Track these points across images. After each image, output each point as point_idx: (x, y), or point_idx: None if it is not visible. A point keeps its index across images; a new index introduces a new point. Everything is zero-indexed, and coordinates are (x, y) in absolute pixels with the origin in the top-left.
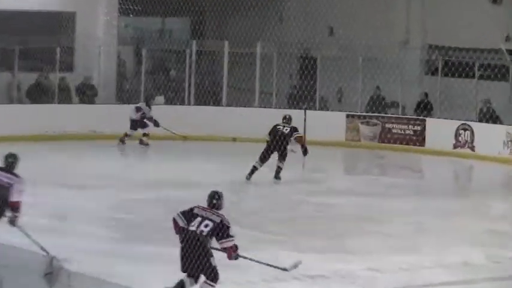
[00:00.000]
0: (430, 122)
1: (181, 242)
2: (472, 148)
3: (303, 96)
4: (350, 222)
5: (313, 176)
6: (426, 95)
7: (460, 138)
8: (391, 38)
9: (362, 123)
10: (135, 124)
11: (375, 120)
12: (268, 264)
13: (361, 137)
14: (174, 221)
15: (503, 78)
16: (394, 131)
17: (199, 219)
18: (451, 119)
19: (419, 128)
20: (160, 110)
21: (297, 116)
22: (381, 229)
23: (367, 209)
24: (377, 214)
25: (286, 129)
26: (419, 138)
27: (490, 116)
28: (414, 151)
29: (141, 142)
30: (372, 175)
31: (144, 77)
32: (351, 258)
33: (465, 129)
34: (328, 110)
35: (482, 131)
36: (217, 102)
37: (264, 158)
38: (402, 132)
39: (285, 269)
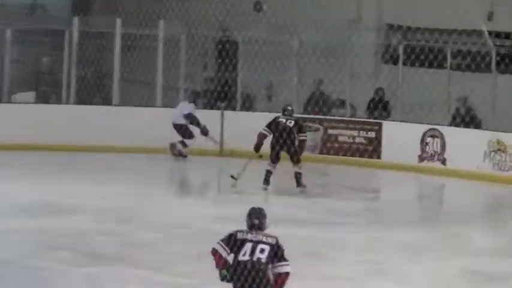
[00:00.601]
0: (387, 126)
1: (231, 278)
2: (443, 161)
3: (221, 92)
4: (294, 259)
5: (233, 198)
6: (383, 91)
7: (427, 148)
8: (338, 16)
9: None
10: (182, 130)
11: (315, 125)
12: None
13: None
14: (216, 252)
15: (485, 68)
16: (340, 138)
17: (249, 245)
18: (416, 123)
19: (373, 134)
20: (27, 110)
21: (212, 118)
22: (325, 269)
23: (307, 242)
24: (320, 249)
25: (291, 122)
26: (374, 148)
27: (471, 119)
28: (367, 165)
29: (179, 153)
30: (313, 197)
31: (8, 66)
32: None
33: (434, 136)
34: (254, 110)
35: (457, 138)
36: (106, 100)
37: (275, 158)
38: (351, 140)
39: None
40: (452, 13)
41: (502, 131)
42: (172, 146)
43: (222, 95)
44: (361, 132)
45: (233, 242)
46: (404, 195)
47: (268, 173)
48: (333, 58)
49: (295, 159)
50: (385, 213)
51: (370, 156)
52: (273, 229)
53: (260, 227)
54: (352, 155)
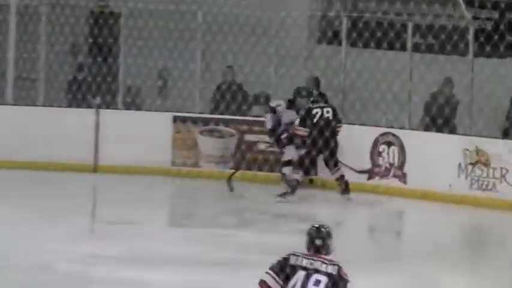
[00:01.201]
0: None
1: None
2: (403, 178)
3: (95, 83)
4: None
5: (112, 229)
6: (318, 81)
7: (380, 159)
8: None
9: (203, 132)
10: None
11: (228, 129)
12: None
13: (200, 159)
14: (264, 283)
15: (462, 51)
16: (261, 146)
17: (302, 274)
18: (366, 125)
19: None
20: None
21: (82, 118)
22: None
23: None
24: None
25: (328, 112)
26: (308, 161)
27: (445, 121)
28: (301, 184)
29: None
30: (224, 229)
31: None
32: None
33: (390, 144)
34: (139, 108)
35: (422, 146)
36: None
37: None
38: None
39: None
40: None
41: (482, 136)
42: None
43: (96, 87)
44: None
45: (285, 268)
46: (351, 225)
47: (297, 184)
48: (253, 38)
49: (333, 161)
50: None
51: (305, 172)
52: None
53: (321, 250)
54: (274, 170)
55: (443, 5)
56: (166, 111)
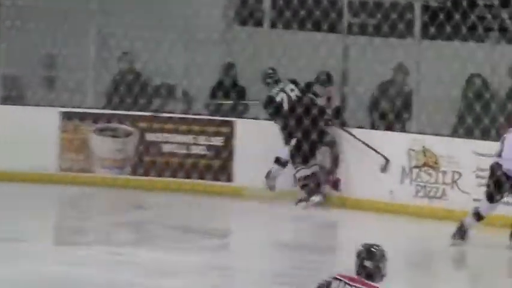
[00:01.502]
0: (244, 127)
1: None
2: (335, 184)
3: None
4: None
5: None
6: (232, 68)
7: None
8: None
9: (96, 131)
10: None
11: (124, 126)
12: None
13: (94, 162)
14: None
15: (404, 32)
16: (166, 148)
17: None
18: None
19: (221, 141)
20: None
21: None
22: None
23: None
24: None
25: (293, 90)
26: (222, 164)
27: (397, 116)
28: (212, 192)
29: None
30: (119, 247)
31: None
32: None
33: None
34: (20, 103)
35: (356, 146)
36: None
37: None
38: (185, 151)
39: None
40: None
41: (430, 134)
42: None
43: None
44: (200, 137)
45: None
46: (274, 242)
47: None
48: (156, 18)
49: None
50: (239, 271)
51: (216, 178)
52: None
53: (374, 276)
54: (186, 176)
55: None
56: (51, 106)
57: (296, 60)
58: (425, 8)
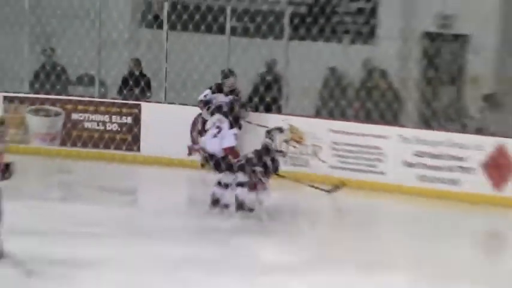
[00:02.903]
0: (148, 109)
1: None
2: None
3: None
4: None
5: None
6: (139, 63)
7: (199, 137)
8: None
9: (31, 111)
10: None
11: (55, 108)
12: None
13: (31, 136)
14: None
15: (278, 34)
16: (87, 125)
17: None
18: (187, 104)
19: (131, 119)
20: None
21: None
22: None
23: (43, 261)
24: (66, 270)
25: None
26: (132, 138)
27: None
28: (125, 160)
29: None
30: (51, 202)
31: None
32: None
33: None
34: None
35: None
36: None
37: None
38: (102, 127)
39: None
40: None
41: (296, 115)
42: None
43: None
44: (113, 116)
45: None
46: (171, 198)
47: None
48: (77, 20)
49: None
50: (147, 223)
51: (129, 149)
52: None
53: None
54: (104, 148)
55: None
56: None
57: (191, 58)
58: (295, 14)
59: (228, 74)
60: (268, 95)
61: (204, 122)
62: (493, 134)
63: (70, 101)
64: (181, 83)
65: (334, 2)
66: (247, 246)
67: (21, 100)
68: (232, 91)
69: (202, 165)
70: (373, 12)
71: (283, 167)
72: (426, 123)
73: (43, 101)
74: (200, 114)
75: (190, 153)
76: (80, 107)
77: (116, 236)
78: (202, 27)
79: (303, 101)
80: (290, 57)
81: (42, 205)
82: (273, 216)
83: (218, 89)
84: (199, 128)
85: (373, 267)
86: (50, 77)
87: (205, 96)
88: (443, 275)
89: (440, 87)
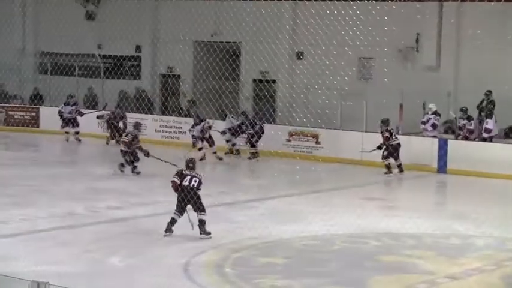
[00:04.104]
0: (43, 109)
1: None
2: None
3: None
4: None
5: None
6: (38, 89)
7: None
8: (11, 46)
9: None
10: None
11: (0, 109)
12: None
13: None
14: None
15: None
16: (16, 116)
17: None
18: (56, 106)
19: (34, 114)
20: None
21: None
22: (5, 191)
23: None
24: (2, 179)
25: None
26: (34, 122)
27: (93, 102)
28: (31, 132)
29: None
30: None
31: None
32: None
33: (64, 108)
34: None
35: None
36: None
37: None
38: (22, 117)
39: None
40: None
41: None
42: None
43: None
44: (27, 113)
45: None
46: (53, 149)
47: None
48: (10, 70)
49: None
50: (42, 159)
51: (33, 126)
52: None
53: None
54: (22, 126)
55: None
56: None
57: None
58: None
59: None
60: None
61: None
62: None
63: (8, 107)
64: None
65: None
66: None
67: None
68: None
69: None
70: None
71: None
72: None
73: None
74: None
75: None
76: (13, 108)
77: (24, 165)
78: None
79: None
80: None
81: None
82: None
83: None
84: None
85: None
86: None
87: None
88: None
89: None
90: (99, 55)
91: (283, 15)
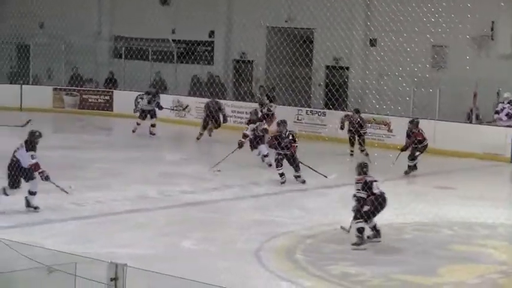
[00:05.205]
0: (116, 93)
1: None
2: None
3: (20, 74)
4: (61, 169)
5: None
6: (112, 73)
7: (137, 104)
8: (87, 30)
9: (66, 94)
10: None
11: (75, 93)
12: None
13: (65, 105)
14: None
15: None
16: (90, 100)
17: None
18: (134, 91)
19: (108, 97)
20: None
21: (15, 90)
22: (80, 174)
23: (71, 159)
24: (78, 162)
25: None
26: (108, 105)
27: (163, 87)
28: (105, 115)
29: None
30: (74, 133)
31: None
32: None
33: (142, 98)
34: (39, 84)
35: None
36: None
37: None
38: (96, 101)
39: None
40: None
41: None
42: None
43: (20, 76)
44: (101, 96)
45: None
46: (126, 131)
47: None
48: (85, 54)
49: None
50: (115, 142)
51: (106, 110)
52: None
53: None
54: (95, 109)
55: (162, 41)
56: (50, 86)
57: None
58: None
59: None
60: None
61: None
62: None
63: (82, 90)
64: (131, 82)
65: None
66: None
67: (62, 90)
68: None
69: None
70: None
71: None
72: None
73: (70, 90)
74: None
75: None
76: (87, 92)
77: (98, 148)
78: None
79: None
80: None
81: (71, 135)
82: None
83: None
84: None
85: None
86: (75, 79)
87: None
88: None
89: None
90: (173, 40)
91: (357, 1)
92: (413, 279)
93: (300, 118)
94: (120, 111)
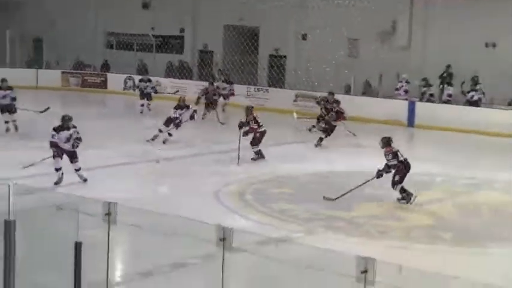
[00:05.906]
0: (110, 75)
1: None
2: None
3: (35, 61)
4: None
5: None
6: (106, 60)
7: (127, 83)
8: (86, 27)
9: (71, 76)
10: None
11: (78, 75)
12: None
13: (70, 85)
14: None
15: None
16: (89, 80)
17: None
18: (123, 74)
19: (103, 78)
20: None
21: (32, 73)
22: (83, 137)
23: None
24: (80, 129)
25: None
26: (103, 84)
27: (145, 70)
28: (101, 92)
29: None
30: (79, 109)
31: None
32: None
33: (130, 79)
34: (51, 69)
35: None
36: None
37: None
38: (94, 81)
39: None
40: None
41: None
42: None
43: (35, 63)
44: (97, 77)
45: None
46: (120, 105)
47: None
48: (84, 45)
49: None
50: (109, 113)
51: (102, 88)
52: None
53: None
54: (92, 88)
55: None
56: (58, 70)
57: None
58: None
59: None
60: None
61: None
62: None
63: (84, 73)
64: (122, 66)
65: None
66: None
67: (69, 73)
68: None
69: None
70: None
71: None
72: None
73: (74, 73)
74: None
75: None
76: (87, 75)
77: (94, 118)
78: None
79: None
80: None
81: (75, 111)
82: None
83: None
84: None
85: None
86: (79, 65)
87: None
88: None
89: None
90: (153, 35)
91: (293, 5)
92: (335, 213)
93: (249, 94)
94: (112, 89)
